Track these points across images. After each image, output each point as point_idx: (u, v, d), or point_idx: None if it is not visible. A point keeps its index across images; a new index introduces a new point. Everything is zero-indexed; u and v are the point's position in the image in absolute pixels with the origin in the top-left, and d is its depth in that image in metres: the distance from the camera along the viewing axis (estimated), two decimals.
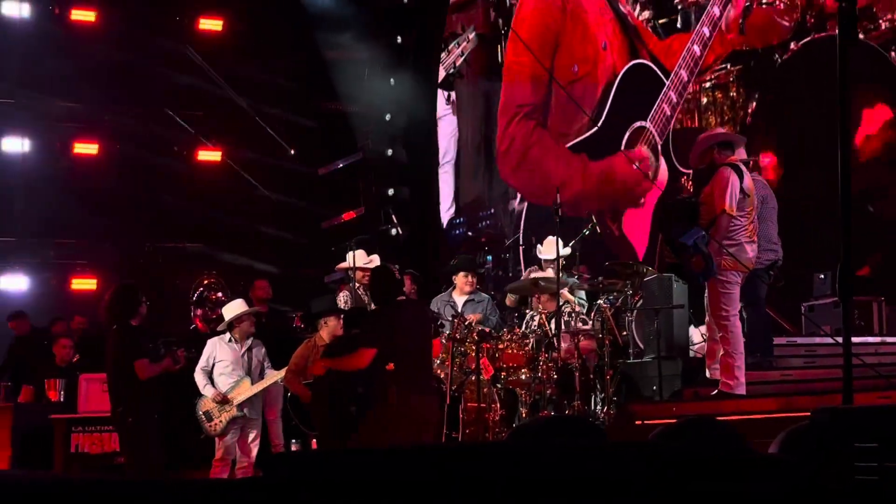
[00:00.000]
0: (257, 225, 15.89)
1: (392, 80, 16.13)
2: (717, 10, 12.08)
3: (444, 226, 16.04)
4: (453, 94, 16.13)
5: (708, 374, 8.38)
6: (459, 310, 10.22)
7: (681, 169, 12.32)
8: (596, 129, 13.35)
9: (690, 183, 12.12)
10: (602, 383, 9.24)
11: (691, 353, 9.68)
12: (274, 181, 16.02)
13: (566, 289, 9.92)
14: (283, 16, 15.50)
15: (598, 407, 9.21)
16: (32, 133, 14.97)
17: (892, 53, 10.52)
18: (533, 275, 10.37)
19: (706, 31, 12.18)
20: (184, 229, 15.59)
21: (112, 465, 9.41)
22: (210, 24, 15.54)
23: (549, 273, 10.03)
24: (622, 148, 12.91)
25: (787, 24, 11.52)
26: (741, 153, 8.39)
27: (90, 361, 10.36)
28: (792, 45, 11.45)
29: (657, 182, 12.56)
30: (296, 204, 16.20)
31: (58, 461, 9.63)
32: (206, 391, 9.22)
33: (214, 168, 15.78)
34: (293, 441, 10.37)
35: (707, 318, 8.35)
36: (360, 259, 10.79)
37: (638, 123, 12.92)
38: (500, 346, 9.28)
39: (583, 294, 10.55)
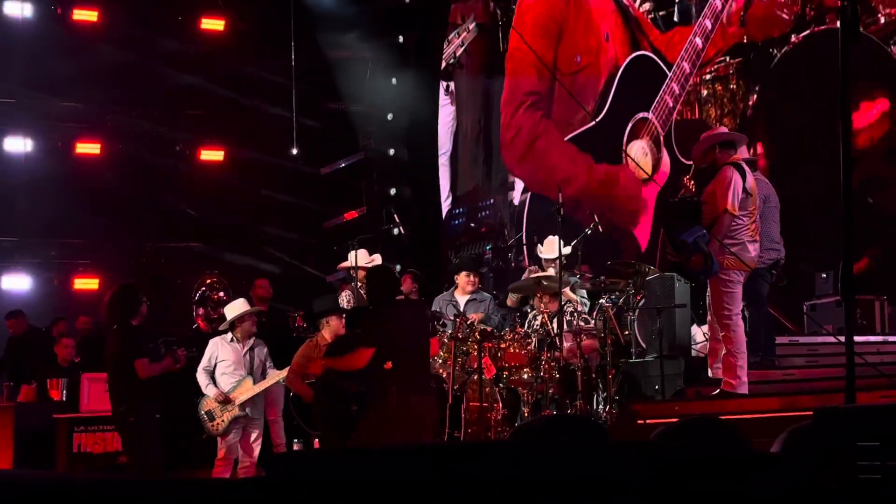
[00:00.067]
0: (259, 224, 15.91)
1: (394, 79, 16.15)
2: (718, 3, 12.10)
3: (444, 216, 16.05)
4: (451, 85, 16.12)
5: (710, 374, 8.37)
6: (462, 309, 10.23)
7: (682, 160, 12.32)
8: (599, 119, 13.37)
9: (692, 182, 12.12)
10: (604, 383, 9.24)
11: (693, 353, 9.68)
12: (276, 181, 16.04)
13: (568, 287, 9.91)
14: (285, 16, 15.50)
15: (601, 406, 9.20)
16: (35, 133, 14.98)
17: (893, 48, 10.52)
18: (533, 274, 10.37)
19: (708, 23, 12.20)
20: (186, 229, 15.60)
21: (114, 465, 9.43)
22: (212, 24, 15.56)
23: (551, 272, 10.03)
24: (625, 139, 12.93)
25: (786, 17, 11.54)
26: (743, 152, 8.39)
27: (92, 361, 10.37)
28: (793, 38, 11.46)
29: (659, 172, 12.60)
30: (298, 203, 16.21)
31: (60, 461, 9.64)
32: (209, 391, 9.22)
33: (216, 168, 15.79)
34: (295, 441, 10.38)
35: (709, 318, 8.34)
36: (361, 258, 10.81)
37: (641, 114, 12.93)
38: (503, 346, 9.28)
39: (584, 293, 10.55)
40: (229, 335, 9.40)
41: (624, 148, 13.00)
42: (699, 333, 9.90)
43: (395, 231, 16.05)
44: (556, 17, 13.96)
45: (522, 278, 10.62)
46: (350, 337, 8.31)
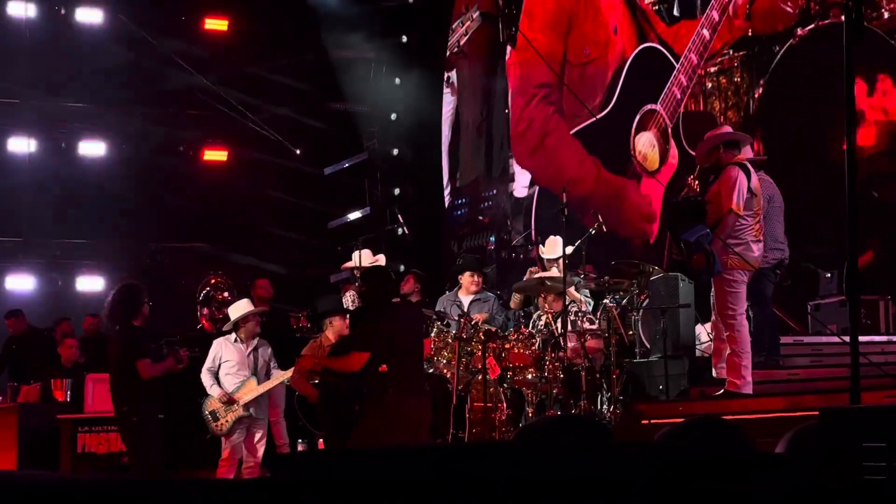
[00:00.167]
0: (263, 224, 15.91)
1: (398, 79, 16.15)
2: None
3: (445, 207, 16.03)
4: (452, 76, 16.10)
5: (714, 374, 8.36)
6: (465, 309, 10.22)
7: (690, 151, 12.32)
8: (607, 111, 13.36)
9: (697, 182, 12.10)
10: (608, 383, 9.23)
11: (698, 353, 9.67)
12: (280, 181, 16.04)
13: (572, 287, 9.90)
14: (289, 16, 15.53)
15: (605, 406, 9.20)
16: (38, 133, 15.00)
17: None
18: (535, 275, 10.36)
19: (716, 14, 12.20)
20: (190, 229, 15.61)
21: (119, 466, 9.43)
22: (215, 24, 15.58)
23: (553, 272, 10.02)
24: (633, 131, 12.92)
25: (791, 10, 11.55)
26: (747, 151, 8.37)
27: (96, 361, 10.37)
28: (798, 31, 11.45)
29: (667, 164, 12.59)
30: (302, 204, 16.22)
31: (64, 461, 9.64)
32: (213, 391, 9.21)
33: (220, 168, 15.80)
34: (300, 441, 10.38)
35: (713, 318, 8.33)
36: (365, 258, 10.81)
37: (648, 106, 12.92)
38: (507, 346, 9.27)
39: (587, 293, 10.54)
40: (233, 335, 9.39)
41: (632, 142, 12.97)
42: (703, 333, 9.87)
43: (399, 231, 16.05)
44: (566, 8, 13.96)
45: (524, 279, 10.62)
46: (347, 338, 8.34)
